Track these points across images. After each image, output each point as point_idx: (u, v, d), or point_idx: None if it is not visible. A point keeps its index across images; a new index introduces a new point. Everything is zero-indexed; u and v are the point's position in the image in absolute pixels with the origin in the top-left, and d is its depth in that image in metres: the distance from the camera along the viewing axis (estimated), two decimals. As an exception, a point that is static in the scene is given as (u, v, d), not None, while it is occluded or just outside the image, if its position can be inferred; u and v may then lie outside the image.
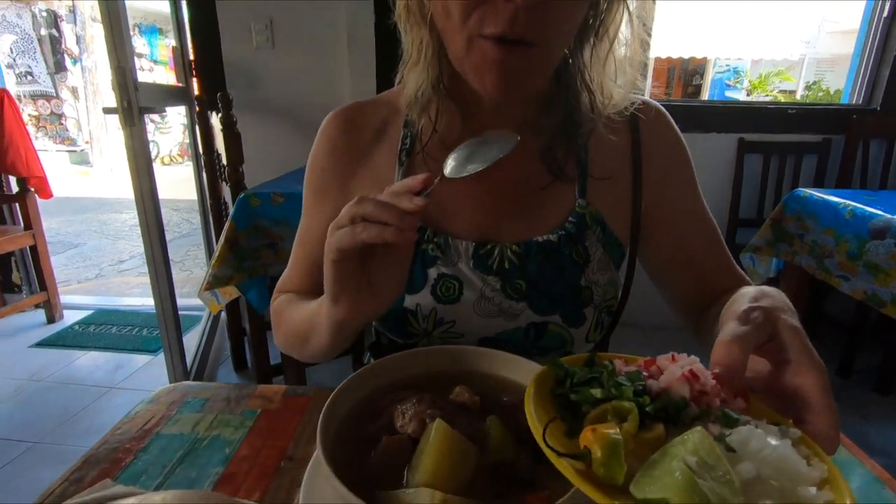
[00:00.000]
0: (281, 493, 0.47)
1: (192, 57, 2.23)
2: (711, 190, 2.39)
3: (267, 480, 0.49)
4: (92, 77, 7.66)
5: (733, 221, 2.41)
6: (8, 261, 2.68)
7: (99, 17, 1.57)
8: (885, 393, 2.07)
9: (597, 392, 0.35)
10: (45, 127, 7.77)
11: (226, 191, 1.95)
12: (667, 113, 0.68)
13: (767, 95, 6.83)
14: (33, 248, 2.49)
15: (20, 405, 1.93)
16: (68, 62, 7.55)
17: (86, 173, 7.65)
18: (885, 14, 2.29)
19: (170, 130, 8.35)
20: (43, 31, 7.23)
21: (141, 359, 2.25)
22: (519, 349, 0.58)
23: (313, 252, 0.68)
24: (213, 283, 1.46)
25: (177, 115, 7.83)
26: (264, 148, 2.22)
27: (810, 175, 2.41)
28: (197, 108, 2.03)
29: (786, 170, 2.39)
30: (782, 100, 6.22)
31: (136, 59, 1.66)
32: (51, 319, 2.58)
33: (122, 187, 5.35)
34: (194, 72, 2.24)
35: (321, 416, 0.39)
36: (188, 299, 2.47)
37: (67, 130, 7.88)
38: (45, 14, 7.21)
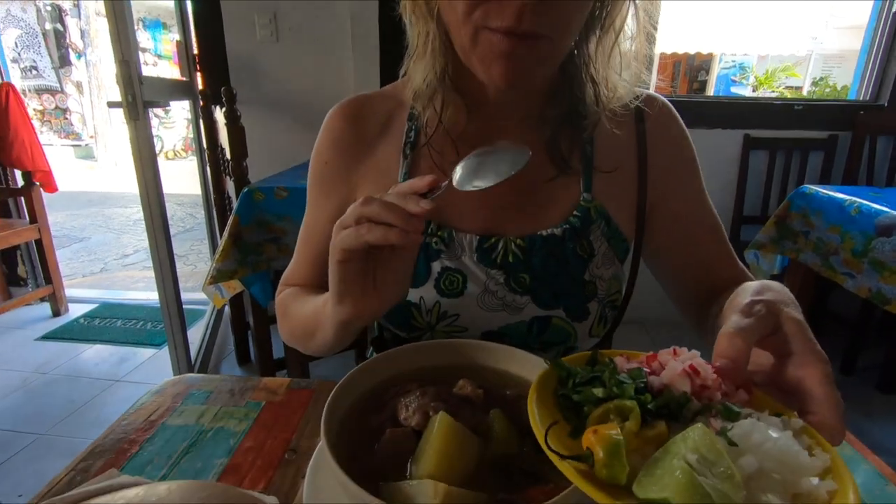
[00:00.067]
0: (285, 484, 0.48)
1: (195, 51, 2.23)
2: (716, 186, 2.38)
3: (271, 472, 0.49)
4: (96, 71, 7.67)
5: (738, 218, 2.40)
6: (13, 254, 2.70)
7: (103, 11, 1.57)
8: (889, 391, 2.06)
9: (598, 391, 0.35)
10: (49, 121, 7.80)
11: (229, 185, 1.95)
12: (672, 107, 0.68)
13: (773, 91, 6.78)
14: (38, 242, 2.51)
15: (26, 397, 1.95)
16: (73, 56, 7.56)
17: (91, 167, 7.68)
18: (894, 10, 2.27)
19: (174, 125, 8.36)
20: (47, 26, 7.24)
21: (145, 352, 2.26)
22: (522, 343, 0.58)
23: (318, 245, 0.69)
24: (217, 278, 1.47)
25: (181, 110, 7.84)
26: (268, 142, 2.22)
27: (816, 172, 2.39)
28: (201, 103, 2.03)
29: (791, 166, 2.37)
30: (788, 96, 6.18)
31: (140, 53, 1.66)
32: (56, 313, 2.60)
33: (127, 182, 5.36)
34: (198, 66, 2.24)
35: (325, 408, 0.39)
36: (192, 293, 2.48)
37: (72, 125, 7.91)
38: (49, 8, 7.22)
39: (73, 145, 8.03)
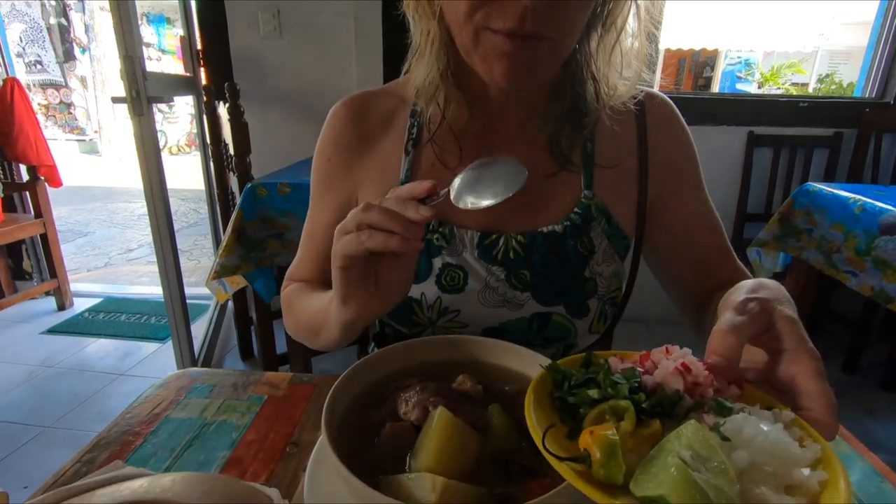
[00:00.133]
0: (286, 477, 0.48)
1: (199, 47, 2.23)
2: (719, 184, 2.38)
3: (273, 464, 0.50)
4: (100, 66, 7.68)
5: (741, 216, 2.39)
6: (19, 249, 2.72)
7: (107, 5, 1.57)
8: (892, 389, 2.06)
9: (594, 393, 0.35)
10: (54, 116, 7.82)
11: (233, 181, 1.96)
12: (673, 105, 0.68)
13: (779, 88, 6.74)
14: (44, 237, 2.52)
15: (32, 390, 1.97)
16: (77, 51, 7.57)
17: (95, 162, 7.70)
18: (901, 6, 2.25)
19: (177, 120, 8.37)
20: (52, 20, 7.24)
21: (149, 346, 2.28)
22: (523, 339, 0.59)
23: (321, 241, 0.69)
24: (221, 273, 1.48)
25: (184, 105, 7.86)
26: (271, 138, 2.23)
27: (820, 169, 2.38)
28: (204, 98, 2.03)
29: (796, 164, 2.36)
30: (794, 92, 6.13)
31: (143, 48, 1.66)
32: (61, 307, 2.62)
33: (131, 177, 5.39)
34: (202, 61, 2.24)
35: (326, 402, 0.40)
36: (196, 288, 2.49)
37: (76, 120, 7.93)
38: (53, 3, 7.22)
39: (77, 140, 8.05)
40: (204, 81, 2.25)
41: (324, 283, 0.68)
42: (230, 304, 2.30)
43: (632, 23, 0.56)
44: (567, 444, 0.33)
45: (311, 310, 0.62)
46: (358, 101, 0.68)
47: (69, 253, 3.64)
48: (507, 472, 0.38)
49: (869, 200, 1.52)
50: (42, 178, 2.45)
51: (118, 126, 7.84)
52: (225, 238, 1.49)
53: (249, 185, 1.47)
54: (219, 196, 2.13)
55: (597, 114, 0.62)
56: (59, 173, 2.51)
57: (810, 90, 6.74)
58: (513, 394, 0.44)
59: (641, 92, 0.63)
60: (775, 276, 1.86)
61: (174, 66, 7.58)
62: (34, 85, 7.46)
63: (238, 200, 1.51)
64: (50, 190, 2.51)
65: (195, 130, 2.77)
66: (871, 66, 2.40)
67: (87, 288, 2.92)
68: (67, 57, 7.50)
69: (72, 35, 7.46)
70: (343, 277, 0.47)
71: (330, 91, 2.22)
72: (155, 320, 2.50)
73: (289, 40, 2.19)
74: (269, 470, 0.49)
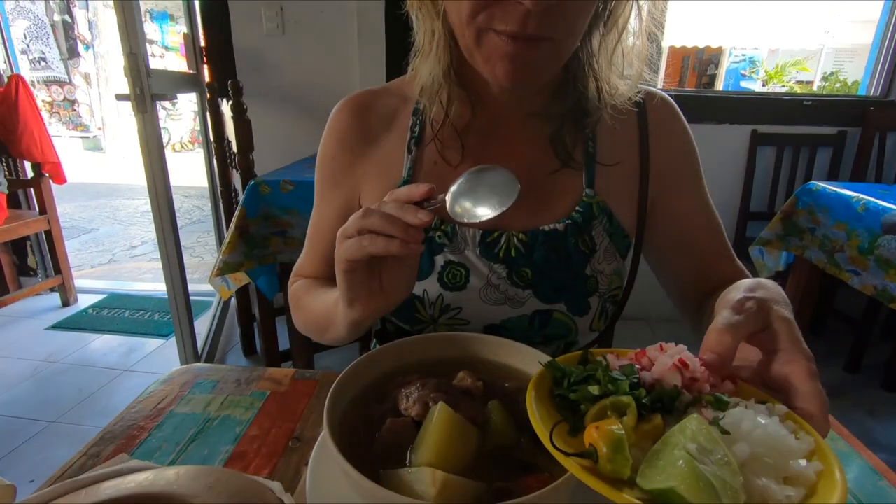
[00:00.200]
0: (289, 471, 0.49)
1: (203, 44, 2.24)
2: (722, 182, 2.38)
3: (276, 459, 0.51)
4: (104, 63, 7.70)
5: (744, 214, 2.38)
6: (24, 245, 2.73)
7: (111, 2, 1.58)
8: (894, 389, 2.05)
9: (594, 389, 0.36)
10: (58, 113, 7.84)
11: (236, 178, 1.97)
12: (674, 103, 0.68)
13: (784, 86, 6.70)
14: (48, 233, 2.54)
15: (37, 385, 1.99)
16: (81, 48, 7.58)
17: (98, 159, 7.72)
18: (907, 3, 2.24)
19: (181, 117, 8.38)
20: (56, 17, 7.26)
21: (153, 342, 2.29)
22: (524, 337, 0.59)
23: (325, 240, 0.70)
24: (224, 270, 1.48)
25: (188, 102, 7.85)
26: (274, 135, 2.23)
27: (824, 168, 2.37)
28: (208, 96, 2.04)
29: (799, 163, 2.35)
30: (798, 90, 6.10)
31: (147, 45, 1.67)
32: (65, 303, 2.64)
33: (134, 173, 5.40)
34: (205, 59, 2.25)
35: (328, 398, 0.40)
36: (199, 285, 2.51)
37: (80, 116, 7.95)
38: (58, 0, 7.24)
39: (81, 137, 8.08)
40: (207, 79, 2.25)
41: (330, 278, 0.69)
42: (233, 300, 2.32)
43: (633, 23, 0.57)
44: (571, 441, 0.34)
45: (318, 308, 0.63)
46: (360, 100, 0.69)
47: (73, 249, 3.66)
48: (506, 466, 0.38)
49: (872, 199, 1.51)
50: (46, 174, 2.47)
51: (122, 123, 7.86)
52: (228, 235, 1.50)
53: (252, 182, 1.47)
54: (222, 193, 2.14)
55: (598, 113, 0.62)
56: (63, 170, 2.51)
57: (815, 88, 6.71)
58: (512, 390, 0.44)
59: (642, 91, 0.64)
60: (778, 275, 1.86)
61: (177, 62, 7.58)
62: (38, 82, 7.49)
63: (241, 198, 1.51)
64: (54, 187, 2.52)
65: (198, 127, 2.78)
66: (875, 65, 2.39)
67: (90, 284, 2.93)
68: (71, 54, 7.52)
69: (76, 32, 7.48)
70: (347, 280, 0.48)
71: (333, 88, 2.22)
72: (158, 317, 2.52)
73: (292, 38, 2.19)
74: (272, 464, 0.50)
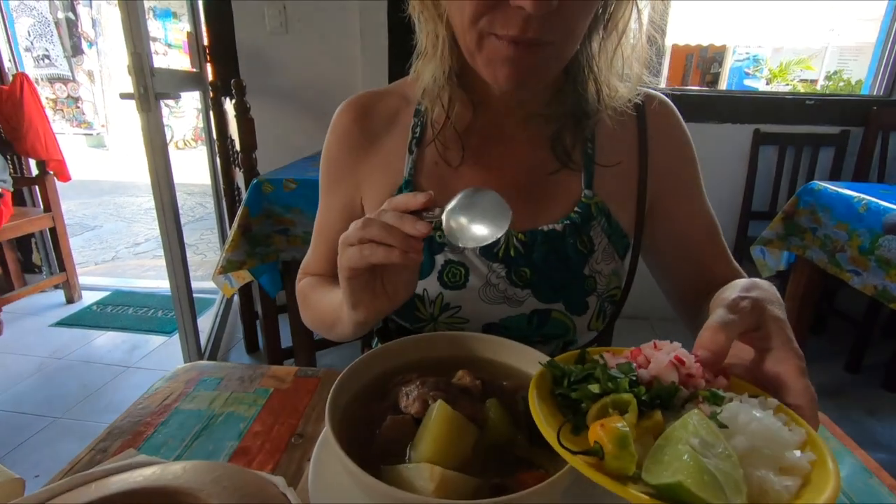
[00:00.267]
0: (291, 466, 0.50)
1: (206, 42, 2.25)
2: (724, 181, 2.38)
3: (279, 455, 0.52)
4: (108, 61, 7.72)
5: (746, 214, 2.38)
6: (28, 242, 2.75)
7: (115, 0, 1.59)
8: (894, 389, 2.06)
9: (595, 387, 0.36)
10: (62, 110, 7.86)
11: (239, 176, 1.98)
12: (673, 106, 0.69)
13: (787, 85, 6.67)
14: (52, 230, 2.56)
15: (41, 382, 2.01)
16: (84, 45, 7.60)
17: (102, 156, 7.75)
18: (911, 3, 2.23)
19: (184, 115, 8.39)
20: (60, 14, 7.27)
21: (156, 339, 2.31)
22: (522, 336, 0.60)
23: (329, 239, 0.72)
24: (227, 268, 1.49)
25: (191, 100, 7.86)
26: (277, 133, 2.24)
27: (826, 168, 2.37)
28: (211, 94, 2.05)
29: (801, 162, 2.35)
30: (802, 89, 6.07)
31: (150, 43, 1.68)
32: (70, 300, 2.65)
33: (138, 171, 5.42)
34: (208, 57, 2.26)
35: (330, 395, 0.41)
36: (202, 282, 2.52)
37: (84, 114, 7.97)
38: (61, -3, 7.26)
39: (84, 134, 8.10)
40: (210, 77, 2.26)
41: (335, 276, 0.70)
42: (236, 298, 2.33)
43: (633, 26, 0.57)
44: (573, 439, 0.35)
45: (325, 307, 0.65)
46: (362, 101, 0.69)
47: (77, 246, 3.68)
48: (503, 463, 0.39)
49: (873, 199, 1.51)
50: (51, 172, 2.48)
51: (125, 120, 7.88)
52: (231, 233, 1.51)
53: (255, 180, 1.48)
54: (225, 191, 2.15)
55: (598, 114, 0.63)
56: (67, 167, 2.53)
57: (819, 87, 6.67)
58: (510, 389, 0.45)
59: (642, 93, 0.64)
60: (779, 275, 1.86)
61: (180, 60, 7.59)
62: (42, 79, 7.50)
63: (244, 196, 1.52)
64: (58, 184, 2.54)
65: (201, 125, 2.79)
66: (879, 64, 2.38)
67: (94, 281, 2.95)
68: (75, 51, 7.53)
69: (79, 29, 7.49)
70: (350, 286, 0.50)
71: (335, 87, 2.23)
72: (162, 314, 2.54)
73: (295, 36, 2.20)
74: (275, 460, 0.51)
